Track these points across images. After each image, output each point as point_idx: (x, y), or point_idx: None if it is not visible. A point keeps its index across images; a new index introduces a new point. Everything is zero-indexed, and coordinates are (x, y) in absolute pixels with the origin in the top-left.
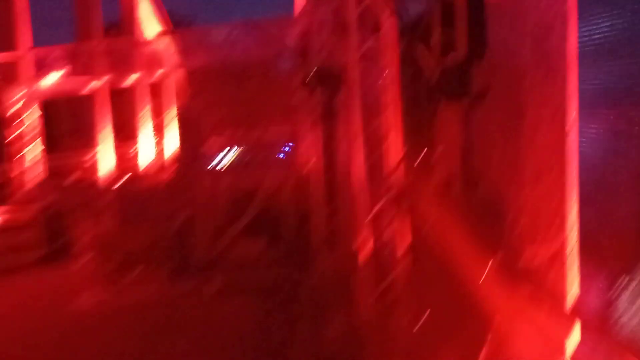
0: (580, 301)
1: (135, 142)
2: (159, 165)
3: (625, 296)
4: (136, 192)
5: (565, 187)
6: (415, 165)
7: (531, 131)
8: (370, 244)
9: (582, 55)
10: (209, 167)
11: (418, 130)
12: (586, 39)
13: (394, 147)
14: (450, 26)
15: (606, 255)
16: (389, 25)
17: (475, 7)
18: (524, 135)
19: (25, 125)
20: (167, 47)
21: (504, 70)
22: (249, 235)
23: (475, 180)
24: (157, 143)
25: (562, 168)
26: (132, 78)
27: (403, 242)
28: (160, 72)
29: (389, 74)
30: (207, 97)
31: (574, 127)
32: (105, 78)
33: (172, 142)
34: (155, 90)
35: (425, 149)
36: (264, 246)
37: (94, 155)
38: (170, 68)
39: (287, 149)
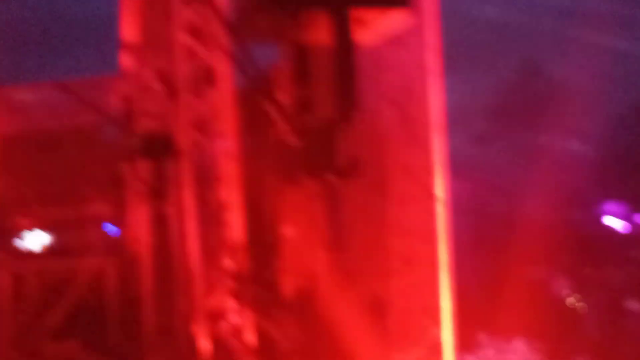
0: None
1: None
2: None
3: None
4: None
5: (437, 272)
6: (263, 247)
7: (398, 209)
8: (210, 338)
9: None
10: (10, 252)
11: (267, 207)
12: None
13: (235, 227)
14: (309, 81)
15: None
16: (227, 83)
17: (342, 56)
18: (391, 214)
19: None
20: None
21: (366, 137)
22: (63, 335)
23: (345, 271)
24: None
25: (432, 251)
26: None
27: (249, 335)
28: None
29: (228, 140)
30: (11, 169)
31: (445, 203)
32: None
33: None
34: None
35: (279, 229)
36: (81, 348)
37: None
38: None
39: (109, 229)
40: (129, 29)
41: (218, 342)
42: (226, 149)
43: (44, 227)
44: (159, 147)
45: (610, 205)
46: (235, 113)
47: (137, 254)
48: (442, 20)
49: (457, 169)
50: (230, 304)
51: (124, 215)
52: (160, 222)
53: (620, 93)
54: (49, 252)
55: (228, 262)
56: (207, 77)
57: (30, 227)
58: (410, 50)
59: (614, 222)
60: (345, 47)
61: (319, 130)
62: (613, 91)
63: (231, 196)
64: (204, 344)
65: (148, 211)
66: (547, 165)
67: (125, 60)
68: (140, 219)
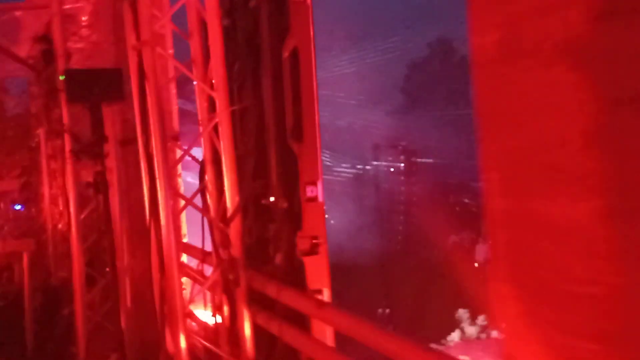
0: None
1: None
2: None
3: None
4: None
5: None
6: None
7: None
8: (184, 341)
9: None
10: None
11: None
12: None
13: (231, 187)
14: None
15: None
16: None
17: None
18: None
19: None
20: None
21: None
22: None
23: None
24: None
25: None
26: None
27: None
28: None
29: (214, 58)
30: None
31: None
32: None
33: None
34: None
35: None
36: None
37: None
38: None
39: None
40: None
41: (195, 347)
42: (212, 73)
43: None
44: (97, 87)
45: None
46: (218, 21)
47: (62, 232)
48: None
49: (380, 139)
50: (216, 297)
51: (38, 183)
52: (100, 187)
53: None
54: None
55: (217, 239)
56: None
57: None
58: None
59: None
60: None
61: None
62: None
63: (225, 142)
64: (178, 350)
65: (71, 175)
66: (466, 135)
67: None
68: (63, 188)
